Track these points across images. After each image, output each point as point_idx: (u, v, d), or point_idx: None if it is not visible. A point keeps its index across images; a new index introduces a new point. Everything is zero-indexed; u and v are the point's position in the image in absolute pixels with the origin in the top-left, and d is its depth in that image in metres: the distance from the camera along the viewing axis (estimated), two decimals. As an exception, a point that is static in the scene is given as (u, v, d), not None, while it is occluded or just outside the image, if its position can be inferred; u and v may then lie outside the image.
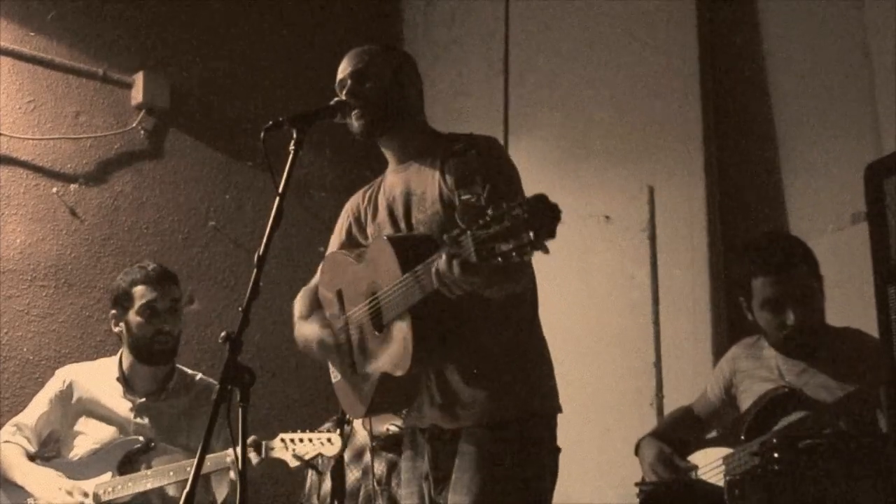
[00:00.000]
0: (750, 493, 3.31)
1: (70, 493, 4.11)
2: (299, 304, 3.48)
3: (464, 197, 2.84)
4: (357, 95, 3.15)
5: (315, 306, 3.41)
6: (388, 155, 3.32)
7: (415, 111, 3.26)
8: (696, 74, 5.04)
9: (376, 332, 3.04)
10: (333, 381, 3.36)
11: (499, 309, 2.99)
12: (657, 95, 5.21)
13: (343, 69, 3.23)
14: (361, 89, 3.16)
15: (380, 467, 4.59)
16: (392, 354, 2.99)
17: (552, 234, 2.45)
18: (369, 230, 3.30)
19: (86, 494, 4.12)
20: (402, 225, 3.16)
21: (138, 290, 4.32)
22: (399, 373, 2.96)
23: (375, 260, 3.05)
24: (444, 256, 2.61)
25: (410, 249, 2.89)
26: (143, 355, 4.34)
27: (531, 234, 2.39)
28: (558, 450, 3.19)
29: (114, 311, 4.40)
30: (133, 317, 4.32)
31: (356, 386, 3.19)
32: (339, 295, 3.26)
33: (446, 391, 3.10)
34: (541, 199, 2.43)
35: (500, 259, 2.43)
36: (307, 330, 3.29)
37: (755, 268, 3.64)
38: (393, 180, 3.26)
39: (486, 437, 3.03)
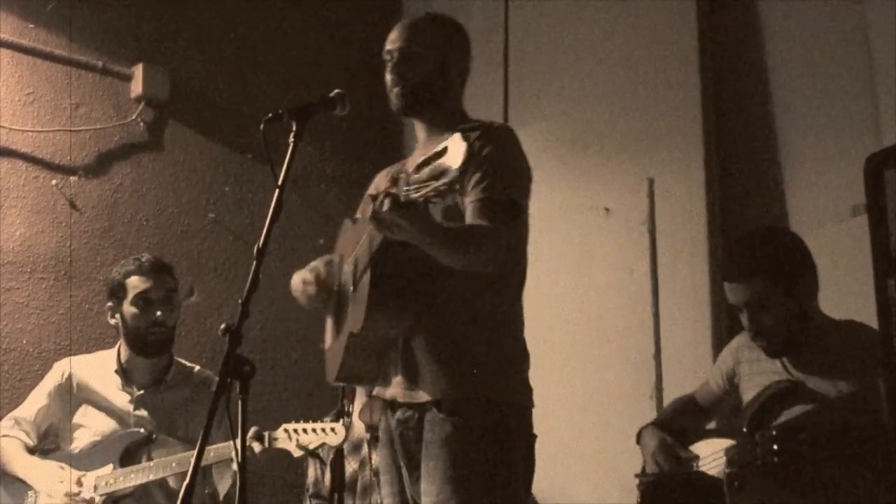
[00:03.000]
0: (749, 485, 3.31)
1: (71, 485, 4.12)
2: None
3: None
4: (401, 76, 3.21)
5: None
6: (417, 129, 3.35)
7: (453, 94, 3.30)
8: (696, 66, 5.03)
9: (352, 290, 3.07)
10: (326, 346, 3.39)
11: (472, 287, 3.01)
12: (657, 87, 5.21)
13: (393, 40, 3.25)
14: (406, 70, 3.20)
15: (376, 458, 4.59)
16: (355, 312, 3.01)
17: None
18: None
19: (88, 487, 4.12)
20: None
21: (132, 280, 4.33)
22: (356, 328, 2.97)
23: (362, 218, 3.10)
24: (381, 196, 2.68)
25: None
26: (138, 347, 4.34)
27: (448, 178, 2.49)
28: (532, 439, 3.13)
29: (109, 304, 4.41)
30: (127, 308, 4.32)
31: (335, 350, 3.22)
32: (341, 259, 3.30)
33: (409, 363, 3.08)
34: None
35: (425, 192, 2.54)
36: (296, 275, 3.34)
37: (723, 273, 3.74)
38: (415, 158, 3.23)
39: (448, 424, 3.00)
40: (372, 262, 2.91)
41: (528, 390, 3.14)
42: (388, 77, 3.24)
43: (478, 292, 3.04)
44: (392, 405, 3.18)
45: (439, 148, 2.55)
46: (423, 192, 2.55)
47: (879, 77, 4.30)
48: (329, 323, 3.33)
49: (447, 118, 3.22)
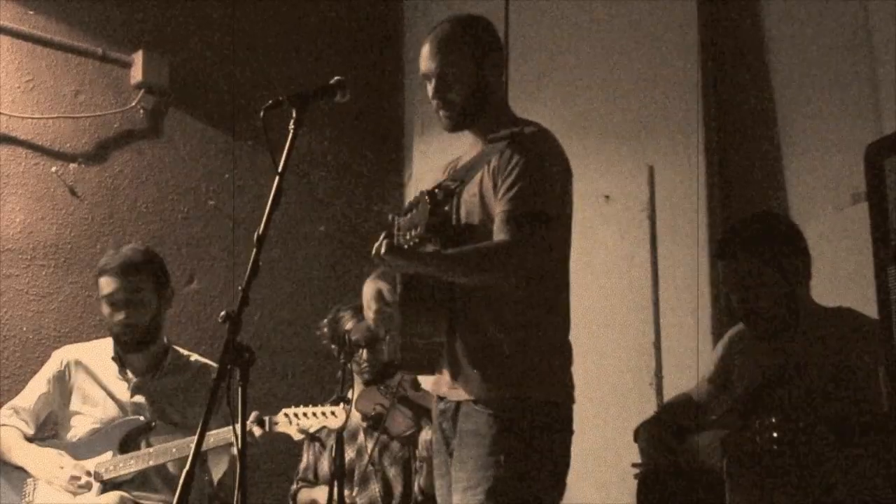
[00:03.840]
0: (749, 473, 3.32)
1: (72, 471, 4.12)
2: None
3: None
4: (444, 100, 3.25)
5: None
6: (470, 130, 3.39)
7: (496, 96, 3.34)
8: (696, 54, 5.02)
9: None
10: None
11: (505, 292, 3.08)
12: (657, 75, 5.20)
13: (427, 61, 3.27)
14: (447, 94, 3.23)
15: (371, 446, 4.61)
16: (397, 317, 3.14)
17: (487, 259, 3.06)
18: None
19: (88, 473, 4.13)
20: (454, 201, 3.24)
21: (101, 280, 4.32)
22: (400, 336, 3.14)
23: (418, 211, 3.18)
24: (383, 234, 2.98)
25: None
26: (119, 343, 4.35)
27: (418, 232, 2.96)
28: (568, 435, 3.19)
29: (97, 296, 4.41)
30: (102, 307, 4.34)
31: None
32: None
33: (453, 362, 3.16)
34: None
35: (407, 240, 2.95)
36: (370, 291, 3.36)
37: (717, 251, 3.80)
38: (468, 156, 3.34)
39: (481, 415, 3.07)
40: (402, 278, 3.07)
41: (566, 387, 3.20)
42: (433, 101, 3.27)
43: (512, 297, 3.10)
44: (441, 398, 3.27)
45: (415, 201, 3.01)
46: (406, 240, 2.98)
47: (880, 64, 4.30)
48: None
49: (494, 119, 3.28)
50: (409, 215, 3.13)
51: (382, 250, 2.88)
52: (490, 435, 3.04)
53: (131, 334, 4.31)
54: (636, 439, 3.91)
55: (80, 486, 4.11)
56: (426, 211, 3.03)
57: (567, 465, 3.19)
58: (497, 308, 3.10)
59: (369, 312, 3.23)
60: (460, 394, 3.15)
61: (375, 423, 4.56)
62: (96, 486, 4.11)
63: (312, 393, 5.47)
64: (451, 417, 3.18)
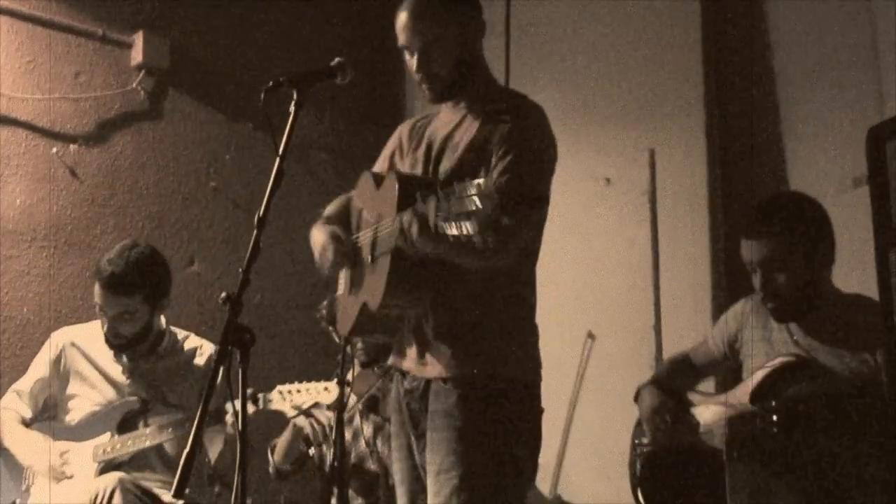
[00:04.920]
0: (748, 454, 3.32)
1: (52, 458, 4.13)
2: (330, 206, 3.47)
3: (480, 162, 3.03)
4: (427, 73, 3.13)
5: (342, 213, 3.42)
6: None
7: (479, 66, 3.23)
8: (698, 37, 5.02)
9: (369, 260, 3.10)
10: (338, 293, 3.42)
11: (483, 271, 3.00)
12: (659, 58, 5.19)
13: (405, 32, 3.13)
14: (431, 66, 3.12)
15: (368, 430, 4.62)
16: (372, 286, 3.06)
17: (503, 240, 2.80)
18: (407, 160, 3.29)
19: (67, 462, 4.14)
20: (430, 168, 3.18)
21: (96, 287, 4.24)
22: (372, 308, 3.03)
23: (386, 192, 3.08)
24: (409, 211, 2.77)
25: (412, 193, 2.89)
26: (106, 342, 4.33)
27: (477, 224, 2.58)
28: (538, 413, 3.12)
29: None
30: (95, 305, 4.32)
31: (349, 304, 3.25)
32: (360, 214, 3.31)
33: (420, 339, 3.11)
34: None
35: (453, 233, 2.62)
36: (318, 235, 3.27)
37: (741, 230, 3.71)
38: (444, 120, 3.26)
39: (452, 395, 3.02)
40: (395, 254, 2.95)
41: (536, 365, 3.14)
42: (415, 74, 3.15)
43: (488, 275, 3.03)
44: (403, 374, 3.21)
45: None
46: (450, 231, 2.63)
47: (882, 49, 4.29)
48: (345, 272, 3.34)
49: (477, 86, 3.19)
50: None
51: (415, 230, 2.75)
52: (461, 416, 2.99)
53: (118, 340, 4.29)
54: (636, 400, 3.91)
55: (61, 474, 4.12)
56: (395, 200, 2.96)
57: (539, 443, 3.13)
58: (470, 285, 3.03)
59: (327, 254, 3.17)
60: (429, 371, 3.08)
61: (370, 405, 4.57)
62: (95, 467, 4.12)
63: (312, 375, 5.44)
64: (419, 397, 3.12)
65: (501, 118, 3.07)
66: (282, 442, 4.59)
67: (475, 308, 3.06)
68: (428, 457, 3.05)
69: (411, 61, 3.14)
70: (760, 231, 3.58)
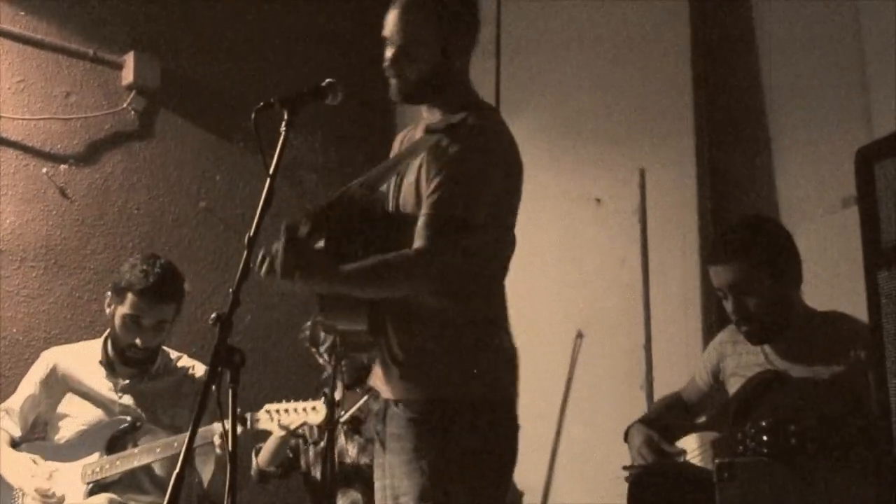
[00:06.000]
0: (739, 476, 3.32)
1: (41, 481, 4.11)
2: None
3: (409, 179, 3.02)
4: (398, 72, 3.09)
5: None
6: (423, 107, 3.23)
7: (456, 80, 3.15)
8: (688, 57, 5.03)
9: None
10: None
11: (432, 300, 2.96)
12: (648, 78, 5.21)
13: (390, 26, 3.10)
14: (404, 67, 3.08)
15: (353, 450, 4.62)
16: None
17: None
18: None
19: (54, 486, 4.12)
20: (400, 181, 3.14)
21: (130, 297, 4.23)
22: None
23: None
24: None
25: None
26: (117, 353, 4.32)
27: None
28: (506, 433, 3.04)
29: (109, 295, 4.37)
30: (119, 317, 4.28)
31: None
32: None
33: (382, 361, 3.06)
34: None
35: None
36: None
37: (709, 256, 3.78)
38: (419, 131, 3.20)
39: (402, 418, 2.97)
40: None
41: (501, 385, 3.04)
42: (386, 67, 3.11)
43: (434, 299, 2.97)
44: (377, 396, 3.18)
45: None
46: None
47: (871, 69, 4.31)
48: None
49: (450, 102, 3.12)
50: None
51: (279, 270, 2.80)
52: (411, 440, 2.93)
53: (140, 356, 4.30)
54: (626, 440, 3.92)
55: (50, 495, 4.10)
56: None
57: (508, 462, 3.04)
58: (423, 309, 2.97)
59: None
60: (387, 392, 3.04)
61: (354, 425, 4.56)
62: (84, 488, 4.10)
63: (302, 395, 5.46)
64: (381, 419, 3.07)
65: (446, 135, 2.98)
66: (269, 445, 4.56)
67: (427, 331, 2.99)
68: (388, 480, 3.01)
69: (387, 52, 3.10)
70: (724, 256, 3.63)
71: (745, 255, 3.58)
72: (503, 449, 3.03)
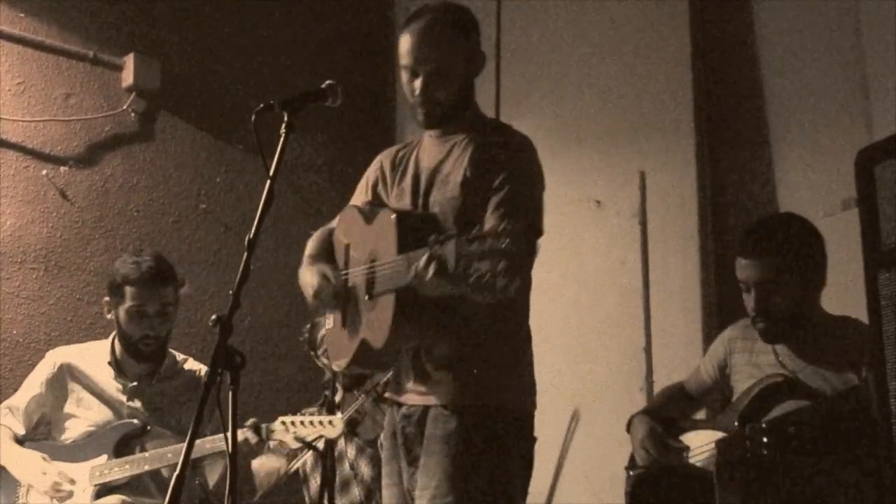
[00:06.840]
0: (738, 477, 3.32)
1: (54, 479, 4.11)
2: (312, 243, 3.45)
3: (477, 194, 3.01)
4: (430, 99, 3.11)
5: (326, 249, 3.40)
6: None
7: (472, 98, 3.23)
8: (688, 60, 5.03)
9: (367, 298, 3.08)
10: (325, 328, 3.41)
11: (486, 309, 2.99)
12: (649, 81, 5.21)
13: (414, 53, 3.11)
14: (436, 92, 3.10)
15: (351, 451, 4.62)
16: (373, 325, 3.05)
17: (515, 276, 2.62)
18: (393, 191, 3.29)
19: (71, 481, 4.12)
20: (420, 201, 3.17)
21: (129, 290, 4.27)
22: (376, 346, 3.03)
23: (381, 229, 3.08)
24: (426, 255, 2.68)
25: (412, 232, 2.92)
26: (130, 351, 4.33)
27: (503, 264, 2.53)
28: (531, 442, 3.15)
29: (107, 299, 4.38)
30: (122, 313, 4.29)
31: (343, 339, 3.23)
32: (347, 249, 3.29)
33: (420, 371, 3.12)
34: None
35: (472, 276, 2.56)
36: (308, 276, 3.25)
37: (736, 249, 3.71)
38: (429, 151, 3.24)
39: (451, 421, 3.03)
40: (398, 294, 2.93)
41: (531, 396, 3.16)
42: (417, 96, 3.11)
43: (487, 308, 3.00)
44: (400, 405, 3.21)
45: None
46: (464, 260, 2.57)
47: (871, 71, 4.31)
48: (330, 309, 3.33)
49: (464, 117, 3.19)
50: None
51: (430, 273, 2.66)
52: (459, 442, 3.00)
53: (154, 345, 4.31)
54: (628, 430, 3.91)
55: (61, 493, 4.10)
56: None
57: (530, 473, 3.15)
58: (470, 317, 3.03)
59: (320, 296, 3.15)
60: (428, 399, 3.09)
61: (351, 427, 4.57)
62: (91, 489, 4.10)
63: (302, 397, 5.47)
64: (416, 422, 3.11)
65: (494, 152, 3.06)
66: (269, 474, 4.55)
67: (476, 339, 3.06)
68: (420, 481, 3.04)
69: (413, 83, 3.11)
70: (757, 250, 3.58)
71: (779, 252, 3.54)
72: (531, 458, 3.15)
